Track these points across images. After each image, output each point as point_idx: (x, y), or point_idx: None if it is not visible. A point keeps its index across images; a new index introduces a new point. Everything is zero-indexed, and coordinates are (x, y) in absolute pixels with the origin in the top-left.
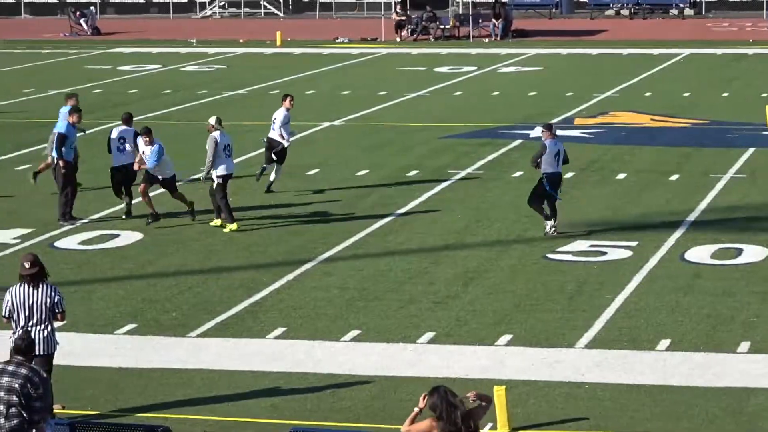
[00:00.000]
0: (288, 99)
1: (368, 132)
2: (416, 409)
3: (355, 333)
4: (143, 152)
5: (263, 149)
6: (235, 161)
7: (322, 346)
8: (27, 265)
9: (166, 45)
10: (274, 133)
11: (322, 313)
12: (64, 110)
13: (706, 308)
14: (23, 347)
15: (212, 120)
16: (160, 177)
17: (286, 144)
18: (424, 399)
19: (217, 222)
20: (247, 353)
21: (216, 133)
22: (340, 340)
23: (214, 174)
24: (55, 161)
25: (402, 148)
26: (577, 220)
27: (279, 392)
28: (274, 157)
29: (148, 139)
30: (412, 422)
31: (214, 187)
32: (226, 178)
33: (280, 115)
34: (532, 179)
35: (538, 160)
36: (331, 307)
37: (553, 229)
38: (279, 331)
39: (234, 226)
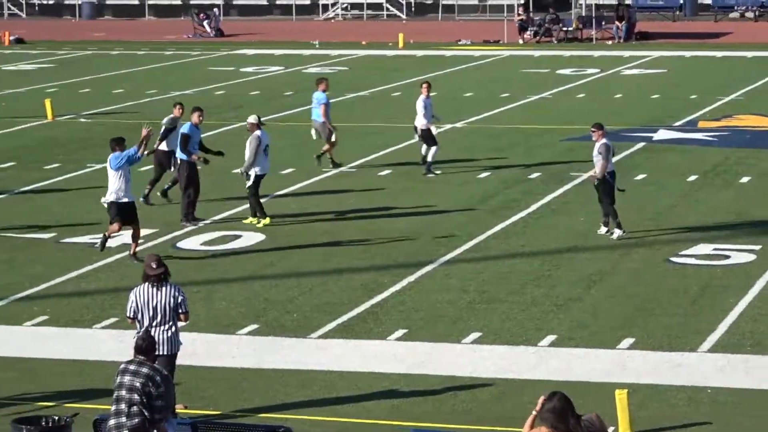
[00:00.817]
0: (424, 87)
1: (490, 134)
2: (534, 412)
3: (476, 335)
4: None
5: (387, 150)
6: (354, 164)
7: (443, 347)
8: (154, 266)
9: (289, 47)
10: (418, 120)
11: (443, 315)
12: (318, 95)
13: None
14: (144, 347)
15: (252, 119)
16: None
17: (425, 127)
18: (542, 401)
19: (253, 221)
20: (368, 354)
21: (258, 132)
22: (461, 342)
23: (252, 172)
24: (179, 162)
25: (524, 150)
26: (701, 224)
27: (399, 394)
28: (423, 141)
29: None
30: (532, 425)
31: (249, 185)
32: (260, 177)
33: (419, 103)
34: (655, 182)
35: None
36: (451, 309)
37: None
38: (400, 332)
39: (267, 220)
